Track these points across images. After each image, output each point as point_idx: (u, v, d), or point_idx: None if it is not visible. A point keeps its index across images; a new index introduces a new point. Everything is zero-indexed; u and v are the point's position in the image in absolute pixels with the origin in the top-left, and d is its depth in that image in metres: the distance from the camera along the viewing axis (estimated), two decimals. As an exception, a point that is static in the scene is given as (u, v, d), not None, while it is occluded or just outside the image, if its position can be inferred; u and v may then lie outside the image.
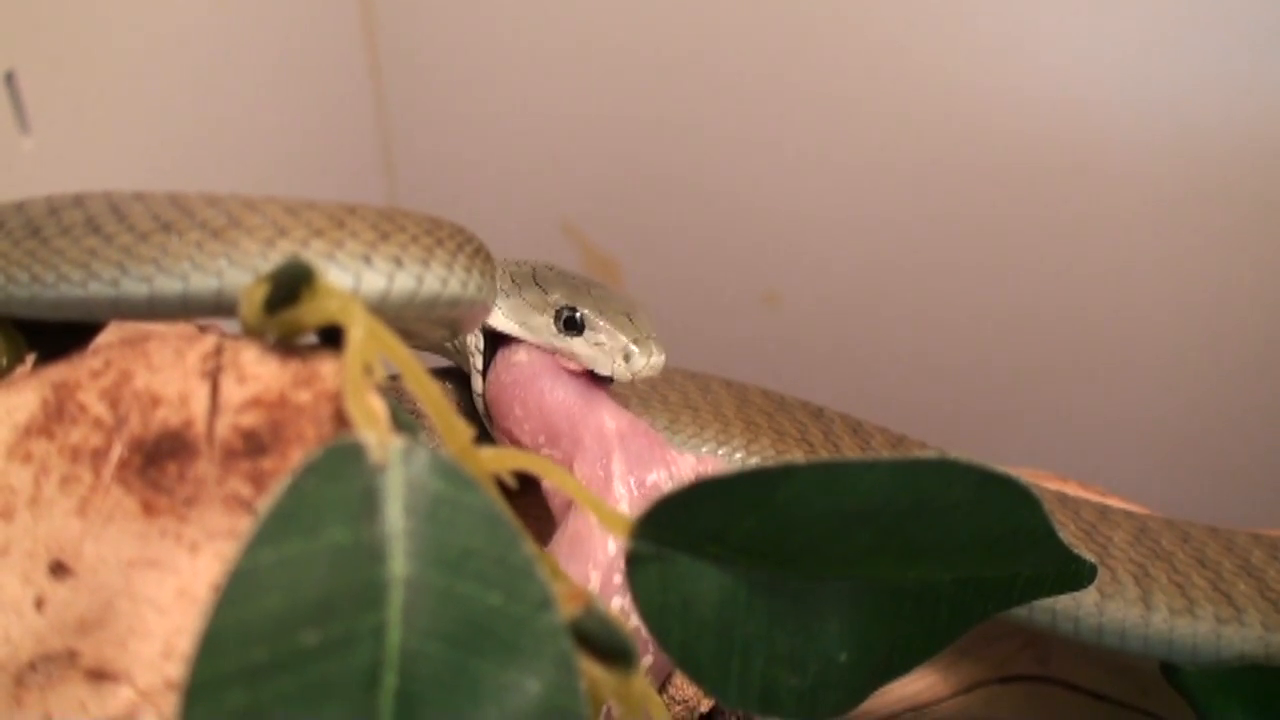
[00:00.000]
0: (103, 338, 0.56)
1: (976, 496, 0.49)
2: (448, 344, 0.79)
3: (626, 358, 0.72)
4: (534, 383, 0.72)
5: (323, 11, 1.37)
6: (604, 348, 0.72)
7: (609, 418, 0.71)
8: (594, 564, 0.67)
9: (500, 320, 0.74)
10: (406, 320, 0.58)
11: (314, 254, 0.54)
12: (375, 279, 0.55)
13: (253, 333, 0.50)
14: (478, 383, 0.75)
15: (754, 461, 0.83)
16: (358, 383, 0.46)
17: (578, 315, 0.73)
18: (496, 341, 0.76)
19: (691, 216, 1.42)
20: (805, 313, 1.43)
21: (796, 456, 0.83)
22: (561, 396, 0.72)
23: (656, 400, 0.84)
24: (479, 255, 0.61)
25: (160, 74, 1.14)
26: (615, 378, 0.73)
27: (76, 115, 1.04)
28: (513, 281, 0.75)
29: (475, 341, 0.76)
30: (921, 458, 0.48)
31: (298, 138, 1.35)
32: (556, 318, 0.73)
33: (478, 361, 0.75)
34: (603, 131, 1.41)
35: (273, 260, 0.53)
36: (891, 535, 0.49)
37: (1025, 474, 0.92)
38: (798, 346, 1.44)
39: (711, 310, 1.45)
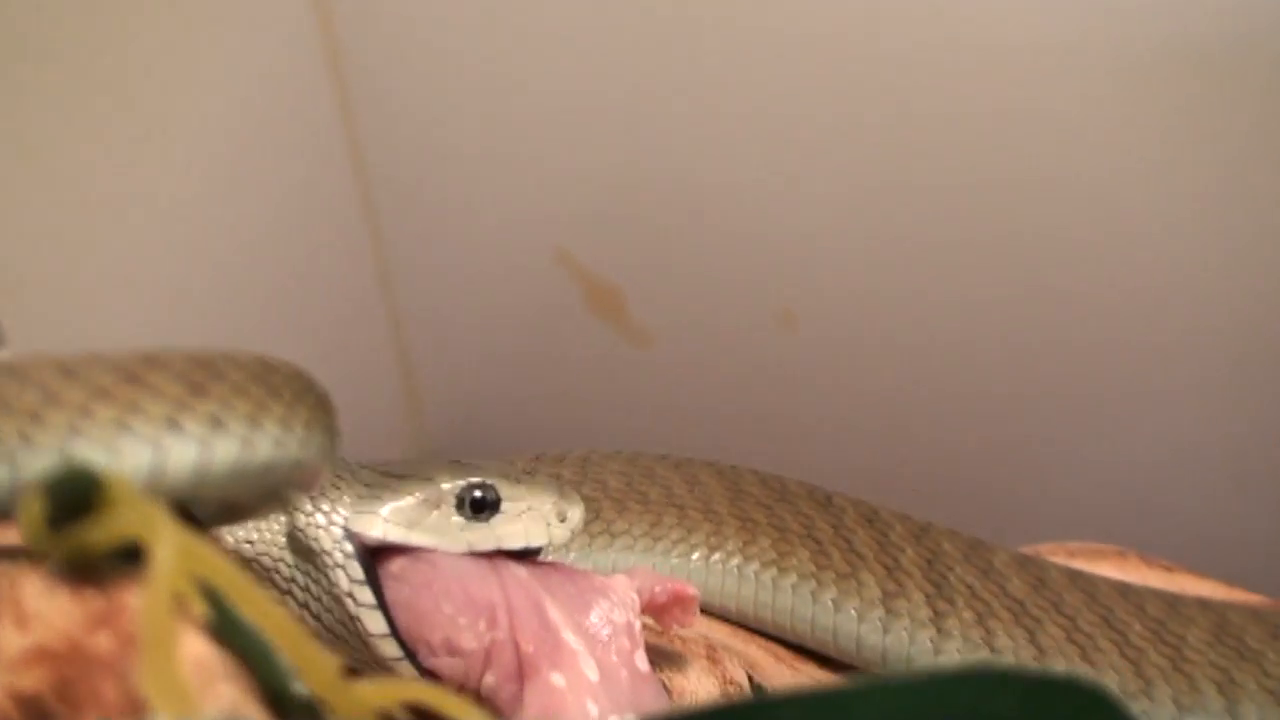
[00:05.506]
0: None
1: (1026, 711, 0.37)
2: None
3: (562, 517, 0.62)
4: (440, 572, 0.61)
5: (286, 31, 1.28)
6: (534, 514, 0.62)
7: (515, 566, 0.61)
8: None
9: (388, 530, 0.62)
10: (230, 495, 0.46)
11: (99, 425, 0.42)
12: (184, 449, 0.44)
13: (37, 556, 0.37)
14: (377, 622, 0.63)
15: (751, 568, 0.70)
16: (161, 636, 0.33)
17: (486, 492, 0.61)
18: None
19: (696, 234, 1.32)
20: (824, 334, 1.31)
21: (801, 558, 0.70)
22: (472, 570, 0.61)
23: (634, 500, 0.72)
24: (320, 406, 0.49)
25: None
26: (553, 543, 0.63)
27: None
28: (367, 486, 0.64)
29: (350, 573, 0.63)
30: (943, 672, 0.36)
31: (274, 168, 1.26)
32: (460, 505, 0.62)
33: (366, 595, 0.63)
34: (596, 148, 1.30)
35: (37, 444, 0.41)
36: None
37: (1080, 547, 0.81)
38: (817, 372, 1.33)
39: (722, 334, 1.35)
